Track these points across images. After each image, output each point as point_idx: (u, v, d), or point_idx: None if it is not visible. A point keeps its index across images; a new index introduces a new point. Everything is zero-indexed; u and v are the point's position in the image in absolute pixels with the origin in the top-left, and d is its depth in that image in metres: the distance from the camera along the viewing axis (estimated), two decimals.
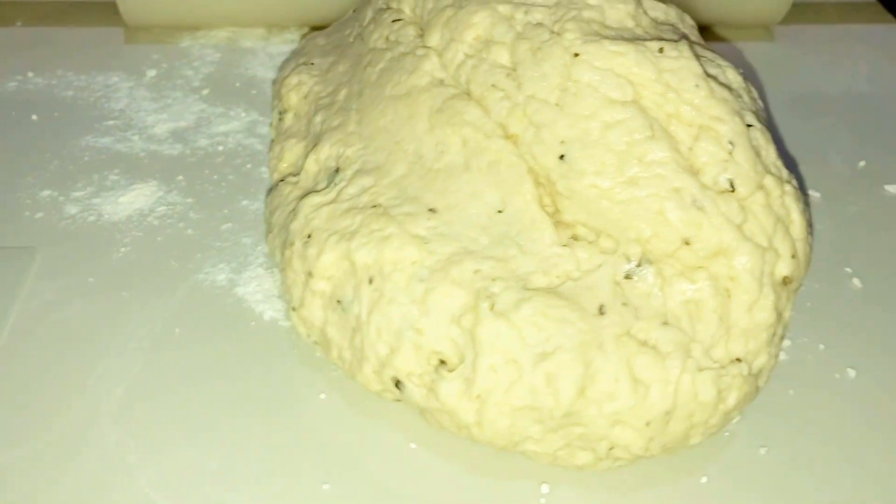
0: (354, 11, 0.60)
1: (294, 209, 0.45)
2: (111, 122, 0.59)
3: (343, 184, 0.44)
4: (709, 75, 0.42)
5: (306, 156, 0.48)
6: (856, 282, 0.52)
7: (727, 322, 0.39)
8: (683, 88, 0.41)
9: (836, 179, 0.59)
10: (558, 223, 0.41)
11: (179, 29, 0.68)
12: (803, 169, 0.60)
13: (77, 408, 0.42)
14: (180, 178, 0.55)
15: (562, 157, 0.41)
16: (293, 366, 0.45)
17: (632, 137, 0.40)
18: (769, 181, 0.40)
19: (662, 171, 0.40)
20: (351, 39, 0.53)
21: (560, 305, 0.39)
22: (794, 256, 0.40)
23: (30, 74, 0.63)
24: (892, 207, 0.58)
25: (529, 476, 0.41)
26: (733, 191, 0.40)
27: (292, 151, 0.50)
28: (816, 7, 0.77)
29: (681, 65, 0.41)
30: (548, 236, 0.41)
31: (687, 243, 0.39)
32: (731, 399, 0.39)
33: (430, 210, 0.42)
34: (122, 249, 0.50)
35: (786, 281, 0.40)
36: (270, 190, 0.50)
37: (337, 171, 0.45)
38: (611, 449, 0.39)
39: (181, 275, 0.49)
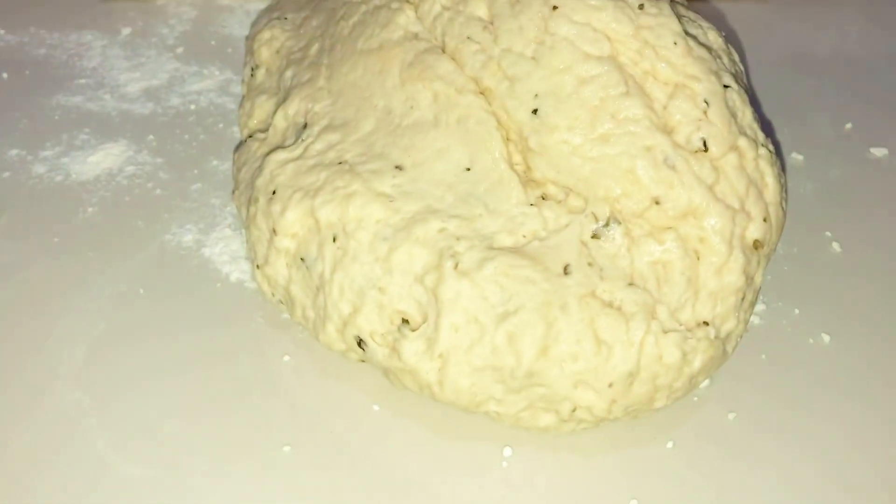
0: None
1: (260, 165, 0.44)
2: (83, 81, 0.58)
3: (310, 139, 0.44)
4: (688, 34, 0.41)
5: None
6: (835, 246, 0.51)
7: (695, 284, 0.38)
8: (661, 45, 0.40)
9: (821, 141, 0.58)
10: (528, 181, 0.40)
11: None
12: (788, 130, 0.59)
13: (34, 369, 0.42)
14: (151, 137, 0.54)
15: (535, 111, 0.40)
16: (257, 328, 0.44)
17: (606, 93, 0.39)
18: (743, 143, 0.39)
19: (635, 129, 0.39)
20: None
21: (524, 265, 0.38)
22: (766, 220, 0.39)
23: (1, 32, 0.62)
24: (876, 171, 0.57)
25: (492, 439, 0.40)
26: (706, 150, 0.39)
27: (262, 108, 0.49)
28: None
29: (660, 22, 0.40)
30: (515, 195, 0.40)
31: (657, 203, 0.39)
32: (697, 362, 0.38)
33: (397, 167, 0.41)
34: (90, 209, 0.49)
35: (756, 245, 0.39)
36: (239, 146, 0.49)
37: (305, 126, 0.45)
38: (573, 410, 0.39)
39: (148, 235, 0.48)
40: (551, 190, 0.40)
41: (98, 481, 0.38)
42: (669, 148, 0.38)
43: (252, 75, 0.52)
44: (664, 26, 0.40)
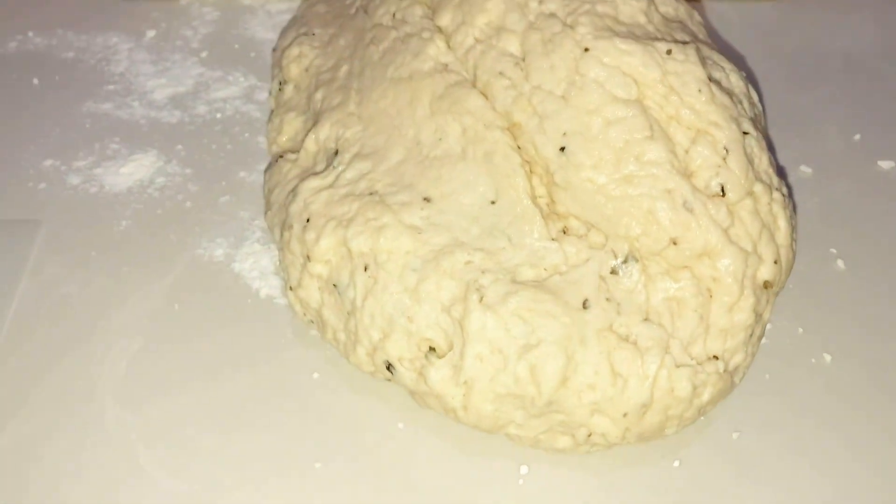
0: None
1: (294, 190, 0.46)
2: (111, 87, 0.59)
3: (341, 167, 0.45)
4: (712, 80, 0.42)
5: (306, 131, 0.49)
6: (840, 263, 0.53)
7: (707, 321, 0.40)
8: (686, 92, 0.42)
9: (830, 153, 0.60)
10: (551, 213, 0.42)
11: None
12: (797, 142, 0.60)
13: (78, 384, 0.44)
14: (179, 147, 0.56)
15: (562, 149, 0.42)
16: (288, 344, 0.47)
17: (631, 136, 0.41)
18: (759, 188, 0.41)
19: (657, 172, 0.41)
20: (353, 11, 0.53)
21: (545, 300, 0.40)
22: (776, 262, 0.41)
23: (30, 34, 0.63)
24: (884, 184, 0.58)
25: (510, 457, 0.43)
26: (724, 195, 0.41)
27: (291, 125, 0.51)
28: None
29: (686, 69, 0.42)
30: (537, 230, 0.42)
31: (674, 243, 0.41)
32: (706, 395, 0.41)
33: (425, 199, 0.43)
34: (123, 223, 0.51)
35: (766, 285, 0.41)
36: (269, 166, 0.51)
37: (336, 153, 0.46)
38: (589, 435, 0.41)
39: (180, 249, 0.50)
40: (573, 224, 0.42)
41: (140, 496, 0.40)
42: (689, 192, 0.40)
43: (280, 90, 0.53)
44: (690, 73, 0.42)
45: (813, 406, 0.46)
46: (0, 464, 0.41)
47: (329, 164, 0.46)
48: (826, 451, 0.44)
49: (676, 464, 0.43)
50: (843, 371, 0.47)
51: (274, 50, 0.57)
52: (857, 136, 0.61)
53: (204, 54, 0.62)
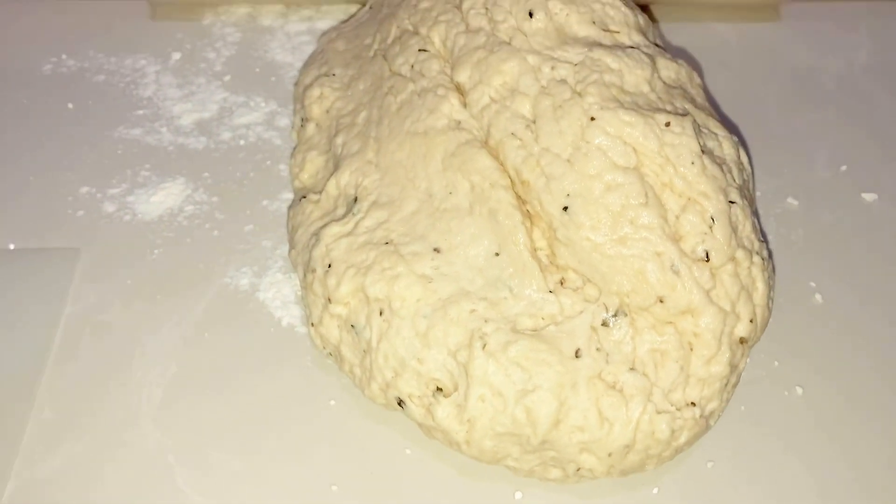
0: (371, 8, 0.63)
1: (317, 235, 0.50)
2: (140, 112, 0.63)
3: (360, 215, 0.49)
4: (705, 150, 0.46)
5: (326, 171, 0.54)
6: (818, 297, 0.56)
7: (687, 371, 0.45)
8: (680, 163, 0.46)
9: (817, 184, 0.62)
10: (551, 265, 0.47)
11: (202, 5, 0.70)
12: (787, 173, 0.63)
13: (118, 410, 0.49)
14: (206, 174, 0.60)
15: (565, 208, 0.46)
16: (307, 372, 0.51)
17: (628, 201, 0.45)
18: (740, 254, 0.45)
19: (649, 236, 0.45)
20: (371, 54, 0.57)
21: (541, 349, 0.45)
22: (752, 321, 0.45)
23: (63, 56, 0.66)
24: (865, 217, 0.61)
25: (506, 483, 0.48)
26: (708, 260, 0.45)
27: (313, 163, 0.55)
28: None
29: (681, 141, 0.46)
30: (536, 282, 0.46)
31: (661, 301, 0.45)
32: (683, 438, 0.45)
33: (435, 249, 0.47)
34: (156, 251, 0.56)
35: (742, 341, 0.46)
36: (293, 204, 0.55)
37: (355, 199, 0.50)
38: (578, 469, 0.46)
39: (209, 278, 0.55)
40: (570, 276, 0.46)
41: None
42: (676, 256, 0.44)
43: (302, 126, 0.57)
44: (685, 146, 0.46)
45: (784, 437, 0.50)
46: (58, 482, 0.46)
47: (349, 210, 0.50)
48: (795, 480, 0.48)
49: (655, 490, 0.48)
50: (813, 404, 0.51)
51: (295, 84, 0.61)
52: (844, 168, 0.64)
53: (227, 78, 0.66)
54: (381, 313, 0.47)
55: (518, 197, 0.47)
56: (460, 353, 0.45)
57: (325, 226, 0.50)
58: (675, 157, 0.46)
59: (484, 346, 0.45)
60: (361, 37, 0.60)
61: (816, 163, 0.64)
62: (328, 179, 0.52)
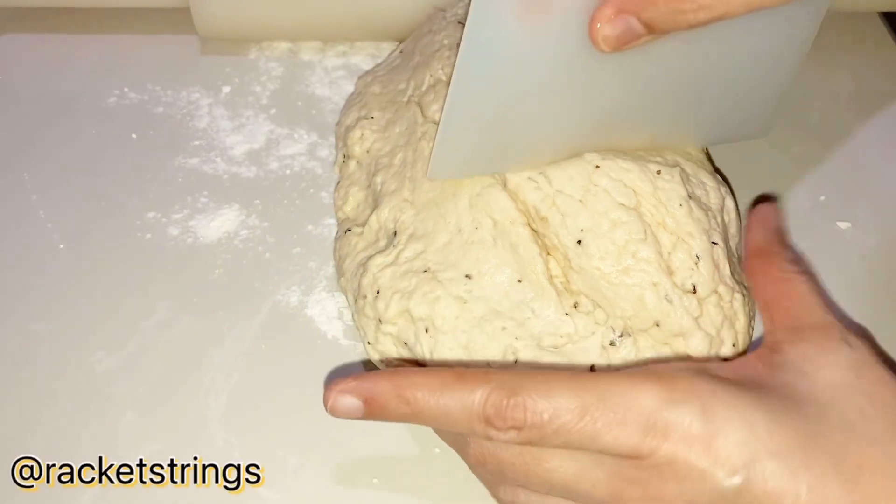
0: (402, 53, 0.70)
1: (364, 265, 0.57)
2: (197, 143, 0.71)
3: (400, 247, 0.57)
4: (692, 197, 0.54)
5: (367, 205, 0.61)
6: None
7: None
8: (670, 205, 0.53)
9: (797, 213, 0.68)
10: (566, 290, 0.54)
11: (247, 41, 0.78)
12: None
13: (191, 414, 0.56)
14: (257, 201, 0.67)
15: (579, 242, 0.53)
16: None
17: (630, 237, 0.53)
18: (722, 289, 0.53)
19: (647, 268, 0.52)
20: (405, 99, 0.64)
21: (562, 364, 0.52)
22: (734, 345, 0.53)
23: (125, 90, 0.74)
24: (839, 245, 0.67)
25: None
26: (695, 292, 0.53)
27: (355, 198, 0.63)
28: None
29: (671, 186, 0.54)
30: (553, 306, 0.53)
31: (657, 325, 0.52)
32: None
33: (467, 276, 0.55)
34: (216, 272, 0.63)
35: (726, 360, 0.53)
36: (338, 236, 0.62)
37: (395, 233, 0.58)
38: None
39: (263, 295, 0.62)
40: (583, 301, 0.53)
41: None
42: (669, 287, 0.52)
43: (344, 162, 0.65)
44: (673, 190, 0.53)
45: None
46: (140, 479, 0.54)
47: (390, 243, 0.58)
48: None
49: None
50: None
51: (337, 124, 0.68)
52: (823, 198, 0.71)
53: (273, 111, 0.73)
54: (426, 331, 0.54)
55: (535, 231, 0.55)
56: (495, 366, 0.53)
57: (370, 257, 0.58)
58: (666, 200, 0.53)
59: (516, 360, 0.53)
60: (395, 82, 0.67)
61: (798, 193, 0.70)
62: (370, 214, 0.60)
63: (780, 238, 0.55)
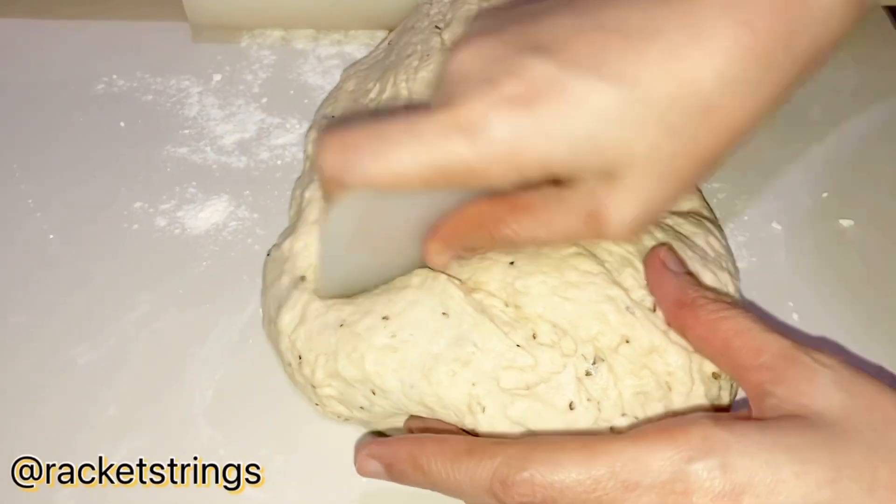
0: (389, 44, 0.67)
1: (275, 325, 0.53)
2: (186, 132, 0.69)
3: (306, 296, 0.52)
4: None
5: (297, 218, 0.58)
6: (795, 316, 0.60)
7: (670, 408, 0.48)
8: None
9: (799, 211, 0.67)
10: (520, 318, 0.49)
11: (239, 28, 0.76)
12: (773, 199, 0.67)
13: (175, 408, 0.55)
14: (247, 192, 0.66)
15: (512, 263, 0.49)
16: None
17: (560, 254, 0.49)
18: None
19: (596, 281, 0.49)
20: (367, 102, 0.61)
21: (538, 408, 0.48)
22: None
23: (114, 76, 0.72)
24: (842, 242, 0.65)
25: None
26: (654, 311, 0.49)
27: (296, 202, 0.60)
28: None
29: None
30: (495, 335, 0.48)
31: (627, 341, 0.48)
32: None
33: (384, 318, 0.49)
34: (204, 263, 0.62)
35: (715, 375, 0.49)
36: (269, 253, 0.58)
37: (302, 278, 0.53)
38: None
39: (251, 289, 0.61)
40: (542, 328, 0.48)
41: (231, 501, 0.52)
42: (627, 299, 0.48)
43: (305, 160, 0.63)
44: None
45: None
46: (123, 473, 0.53)
47: (294, 286, 0.53)
48: None
49: None
50: None
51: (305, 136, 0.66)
52: (825, 195, 0.69)
53: (264, 100, 0.72)
54: (373, 392, 0.49)
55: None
56: (466, 419, 0.48)
57: (279, 309, 0.53)
58: None
59: (483, 409, 0.47)
60: (368, 80, 0.64)
61: (800, 191, 0.68)
62: (285, 240, 0.55)
63: (692, 280, 0.49)
